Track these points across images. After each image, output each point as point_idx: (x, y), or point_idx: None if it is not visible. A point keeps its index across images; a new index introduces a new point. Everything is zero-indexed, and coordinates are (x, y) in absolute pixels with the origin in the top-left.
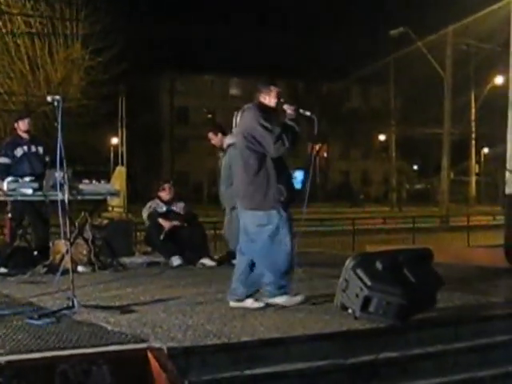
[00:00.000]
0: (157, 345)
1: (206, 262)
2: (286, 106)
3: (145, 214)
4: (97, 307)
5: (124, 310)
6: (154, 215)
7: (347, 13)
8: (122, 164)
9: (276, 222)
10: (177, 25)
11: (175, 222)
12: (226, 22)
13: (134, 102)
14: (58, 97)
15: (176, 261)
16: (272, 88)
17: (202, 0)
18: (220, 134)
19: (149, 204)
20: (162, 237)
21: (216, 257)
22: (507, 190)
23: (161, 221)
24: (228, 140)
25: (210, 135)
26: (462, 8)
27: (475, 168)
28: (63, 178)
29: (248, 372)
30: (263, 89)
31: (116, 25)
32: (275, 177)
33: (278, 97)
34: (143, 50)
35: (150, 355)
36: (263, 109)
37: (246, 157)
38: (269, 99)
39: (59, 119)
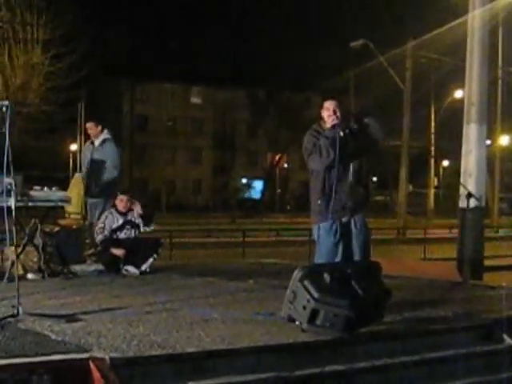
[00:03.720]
0: (99, 355)
1: (130, 269)
2: (329, 120)
3: (98, 236)
4: (42, 315)
5: (70, 318)
6: (106, 243)
7: (311, 23)
8: (81, 170)
9: (317, 234)
10: (138, 32)
11: (118, 252)
12: (187, 30)
13: (93, 109)
14: (6, 102)
15: (132, 269)
16: (324, 102)
17: (164, 9)
18: (100, 127)
19: (103, 218)
20: (121, 266)
21: (144, 267)
22: (460, 204)
23: (114, 251)
24: (104, 135)
25: (91, 125)
26: (425, 23)
27: (434, 181)
28: (10, 184)
29: (192, 383)
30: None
31: (77, 30)
32: (318, 191)
33: (328, 110)
34: (104, 57)
35: (92, 365)
36: (320, 123)
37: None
38: (322, 112)
39: (7, 125)
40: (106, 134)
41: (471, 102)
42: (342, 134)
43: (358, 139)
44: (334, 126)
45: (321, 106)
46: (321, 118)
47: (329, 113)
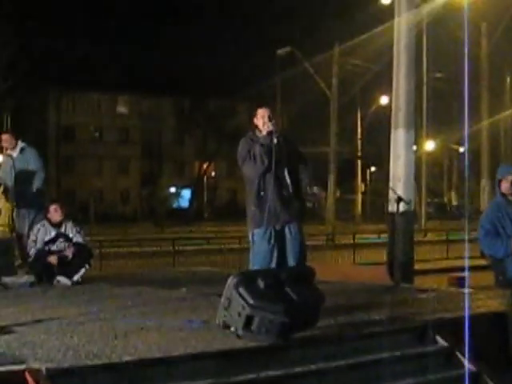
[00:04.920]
0: (35, 366)
1: (62, 279)
2: (264, 127)
3: (31, 250)
4: None
5: (3, 330)
6: (41, 256)
7: (235, 31)
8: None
9: (252, 240)
10: (62, 42)
11: (65, 253)
12: (112, 39)
13: (19, 119)
14: None
15: (64, 280)
16: (257, 110)
17: (87, 18)
18: (14, 139)
19: (35, 231)
20: (57, 278)
21: (76, 277)
22: (390, 209)
23: (50, 259)
24: (20, 144)
25: (7, 137)
26: (349, 30)
27: (361, 186)
28: None
29: None
30: (254, 112)
31: (1, 41)
32: (253, 198)
33: (263, 117)
34: (29, 67)
35: (28, 377)
36: (255, 131)
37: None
38: (256, 120)
39: None
40: (21, 144)
41: (398, 107)
42: (275, 140)
43: (291, 147)
44: (269, 133)
45: (254, 115)
46: (255, 127)
47: (264, 120)
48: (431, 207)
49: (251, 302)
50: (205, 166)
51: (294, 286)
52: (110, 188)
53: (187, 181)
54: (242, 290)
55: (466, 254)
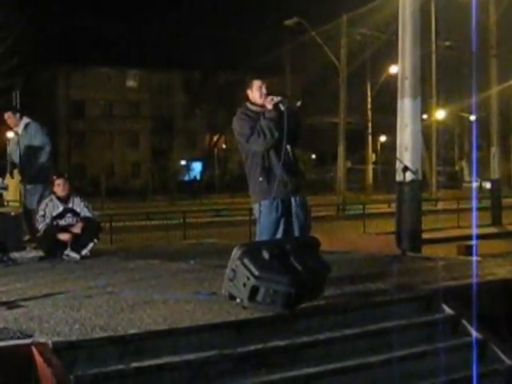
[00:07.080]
0: (42, 339)
1: (71, 253)
2: (268, 100)
3: (40, 225)
4: None
5: (11, 305)
6: (50, 232)
7: (242, 2)
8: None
9: (258, 212)
10: (71, 17)
11: (74, 230)
12: (120, 13)
13: (29, 96)
14: None
15: (72, 254)
16: (253, 82)
17: None
18: (18, 115)
19: (43, 206)
20: (66, 252)
21: (85, 251)
22: (397, 178)
23: (60, 236)
24: (25, 120)
25: (9, 114)
26: None
27: (372, 156)
28: None
29: (135, 364)
30: (249, 83)
31: (9, 18)
32: (259, 169)
33: (261, 89)
34: (37, 44)
35: (34, 350)
36: (248, 105)
37: (243, 154)
38: (252, 94)
39: None
40: (26, 120)
41: (405, 77)
42: (284, 110)
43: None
44: (275, 105)
45: (249, 86)
46: (246, 98)
47: (261, 91)
48: (442, 176)
49: (256, 273)
50: (215, 138)
51: (298, 256)
52: (120, 162)
53: (198, 154)
54: (246, 261)
55: (474, 222)
